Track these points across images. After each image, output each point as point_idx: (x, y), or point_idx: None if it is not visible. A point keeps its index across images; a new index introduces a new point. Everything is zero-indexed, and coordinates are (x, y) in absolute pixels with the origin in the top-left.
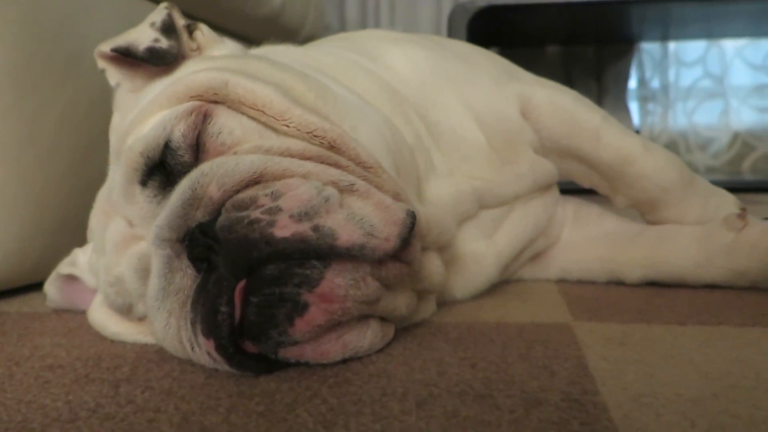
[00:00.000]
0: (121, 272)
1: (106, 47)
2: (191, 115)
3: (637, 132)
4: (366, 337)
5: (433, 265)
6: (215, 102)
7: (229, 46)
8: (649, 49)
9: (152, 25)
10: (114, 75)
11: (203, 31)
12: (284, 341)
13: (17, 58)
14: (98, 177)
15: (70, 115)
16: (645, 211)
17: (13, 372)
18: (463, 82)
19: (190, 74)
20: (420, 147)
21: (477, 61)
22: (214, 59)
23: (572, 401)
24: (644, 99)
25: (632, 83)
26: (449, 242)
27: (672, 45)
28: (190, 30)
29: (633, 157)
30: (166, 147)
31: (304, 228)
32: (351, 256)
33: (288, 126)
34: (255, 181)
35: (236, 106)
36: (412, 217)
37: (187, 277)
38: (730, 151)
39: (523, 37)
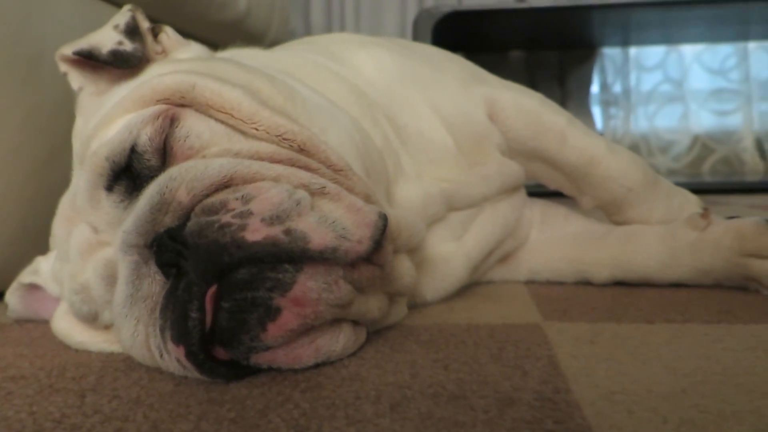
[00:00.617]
0: (86, 279)
1: (68, 50)
2: (158, 118)
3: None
4: (339, 341)
5: (403, 267)
6: (182, 105)
7: (194, 49)
8: (610, 54)
9: (116, 27)
10: (76, 78)
11: (168, 34)
12: (256, 346)
13: None
14: (61, 183)
15: (31, 120)
16: (610, 211)
17: None
18: (430, 85)
19: (156, 77)
20: (389, 149)
21: (443, 64)
22: (180, 62)
23: (545, 400)
24: (606, 103)
25: (595, 88)
26: (419, 244)
27: (633, 50)
28: (155, 32)
29: (598, 159)
30: (132, 151)
31: (276, 231)
32: (324, 259)
33: (257, 129)
34: (225, 185)
35: (204, 109)
36: (384, 219)
37: (155, 283)
38: (690, 153)
39: (488, 43)
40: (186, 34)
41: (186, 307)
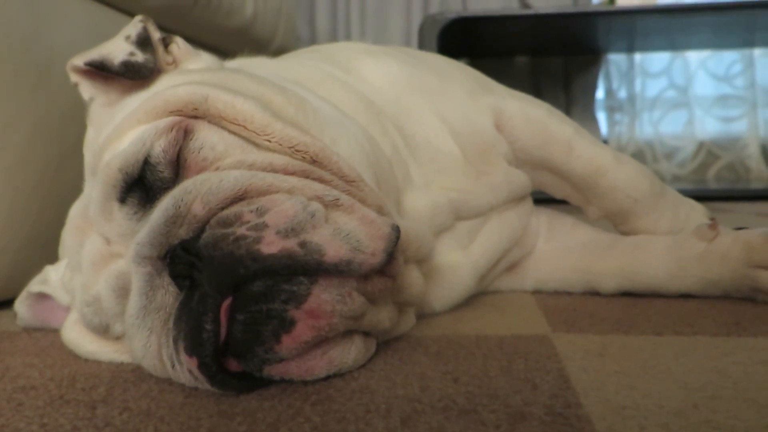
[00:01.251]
0: (98, 291)
1: (79, 61)
2: (172, 130)
3: (605, 142)
4: (350, 352)
5: (412, 278)
6: (195, 117)
7: (205, 59)
8: (615, 60)
9: (127, 38)
10: (87, 89)
11: (179, 44)
12: (270, 358)
13: None
14: (70, 191)
15: (40, 128)
16: (617, 221)
17: None
18: (437, 95)
19: (169, 88)
20: (397, 159)
21: (451, 73)
22: (190, 73)
23: (556, 415)
24: (611, 109)
25: (600, 94)
26: (428, 255)
27: (638, 56)
28: (166, 43)
29: (605, 169)
30: (146, 163)
31: (291, 244)
32: (338, 271)
33: (270, 141)
34: (240, 197)
35: (216, 120)
36: (397, 231)
37: (168, 295)
38: (695, 160)
39: (493, 49)
40: (193, 40)
41: (200, 318)
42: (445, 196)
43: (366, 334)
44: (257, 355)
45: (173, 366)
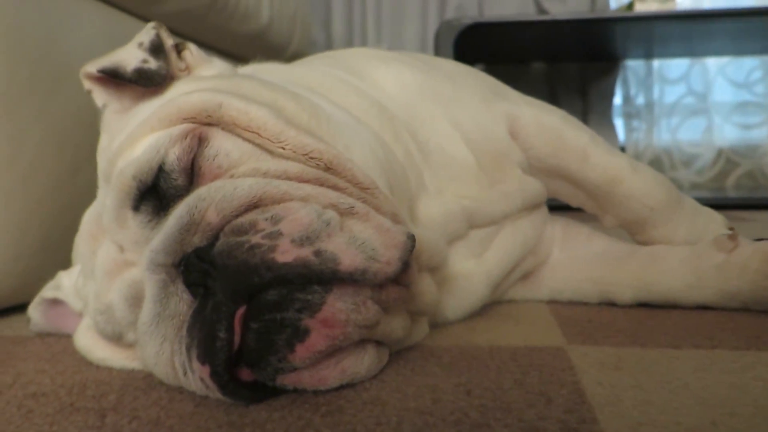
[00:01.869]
0: (111, 300)
1: (92, 68)
2: (186, 138)
3: (622, 148)
4: (364, 362)
5: (425, 286)
6: (208, 124)
7: (217, 66)
8: (633, 66)
9: (140, 45)
10: (100, 96)
11: (192, 51)
12: (283, 368)
13: (1, 75)
14: (83, 197)
15: (54, 135)
16: (633, 231)
17: None
18: (450, 101)
19: (182, 95)
20: (411, 165)
21: (465, 80)
22: (204, 80)
23: (571, 431)
24: (629, 116)
25: (617, 100)
26: (441, 263)
27: (656, 63)
28: (179, 50)
29: (620, 177)
30: (160, 170)
31: (306, 253)
32: (353, 280)
33: (284, 148)
34: (254, 205)
35: (230, 128)
36: (412, 239)
37: (182, 302)
38: (714, 167)
39: (509, 54)
40: (208, 46)
41: (214, 327)
42: (458, 203)
43: (379, 343)
44: (270, 364)
45: (185, 374)
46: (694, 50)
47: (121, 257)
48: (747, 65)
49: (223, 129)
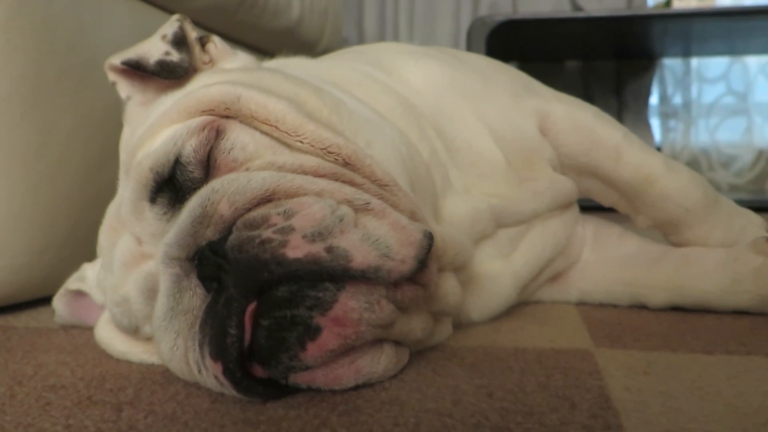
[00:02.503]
0: (127, 292)
1: (116, 60)
2: (203, 130)
3: (659, 149)
4: (380, 362)
5: (449, 287)
6: (227, 117)
7: (242, 59)
8: (670, 65)
9: (163, 37)
10: (125, 88)
11: (216, 44)
12: (295, 366)
13: (30, 68)
14: (109, 190)
15: (82, 127)
16: (667, 232)
17: (15, 392)
18: (479, 97)
19: (202, 88)
20: (436, 163)
21: (494, 75)
22: (226, 72)
23: None
24: (666, 115)
25: (653, 99)
26: (466, 263)
27: (694, 61)
28: (203, 43)
29: (654, 176)
30: (176, 162)
31: (318, 249)
32: (366, 278)
33: (302, 142)
34: (267, 198)
35: (249, 120)
36: (430, 238)
37: (196, 297)
38: (754, 169)
39: (543, 52)
40: (239, 41)
41: (225, 323)
42: (485, 202)
43: (397, 343)
44: (282, 362)
45: (199, 371)
46: (734, 48)
47: (139, 249)
48: None
49: (241, 122)
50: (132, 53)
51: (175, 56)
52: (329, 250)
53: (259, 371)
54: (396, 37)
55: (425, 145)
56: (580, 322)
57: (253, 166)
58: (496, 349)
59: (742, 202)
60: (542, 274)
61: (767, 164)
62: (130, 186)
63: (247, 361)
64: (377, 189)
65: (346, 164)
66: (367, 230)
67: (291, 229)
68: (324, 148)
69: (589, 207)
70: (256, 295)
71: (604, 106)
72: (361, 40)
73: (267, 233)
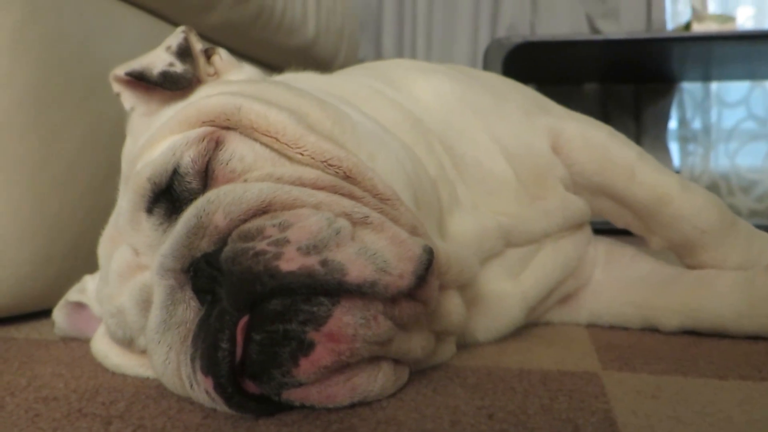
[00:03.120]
0: (122, 303)
1: (120, 71)
2: (203, 141)
3: (677, 173)
4: (377, 380)
5: (452, 305)
6: (228, 128)
7: (247, 71)
8: (690, 89)
9: (168, 48)
10: (129, 99)
11: (221, 56)
12: (288, 382)
13: (38, 78)
14: (115, 202)
15: (90, 138)
16: (682, 254)
17: (5, 403)
18: (490, 114)
19: (203, 98)
20: (444, 179)
21: (506, 92)
22: (229, 83)
23: None
24: (685, 139)
25: (672, 123)
26: (471, 281)
27: (714, 85)
28: (208, 54)
29: (669, 197)
30: (174, 173)
31: (312, 262)
32: (361, 293)
33: (302, 154)
34: (263, 210)
35: (249, 132)
36: (429, 253)
37: (190, 310)
38: None
39: (560, 75)
40: (253, 58)
41: (217, 336)
42: (494, 220)
43: (397, 361)
44: (274, 378)
45: (191, 385)
46: (755, 72)
47: (135, 260)
48: None
49: (241, 133)
50: (136, 64)
51: (178, 67)
52: (324, 263)
53: (251, 387)
54: (413, 58)
55: (432, 160)
56: (590, 344)
57: (251, 177)
58: (500, 369)
59: (762, 228)
60: (552, 295)
61: None
62: (127, 196)
63: (239, 376)
64: (377, 203)
65: (347, 177)
66: (365, 244)
67: (286, 242)
68: (325, 161)
69: (604, 230)
70: (249, 309)
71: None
72: (378, 60)
73: (261, 245)
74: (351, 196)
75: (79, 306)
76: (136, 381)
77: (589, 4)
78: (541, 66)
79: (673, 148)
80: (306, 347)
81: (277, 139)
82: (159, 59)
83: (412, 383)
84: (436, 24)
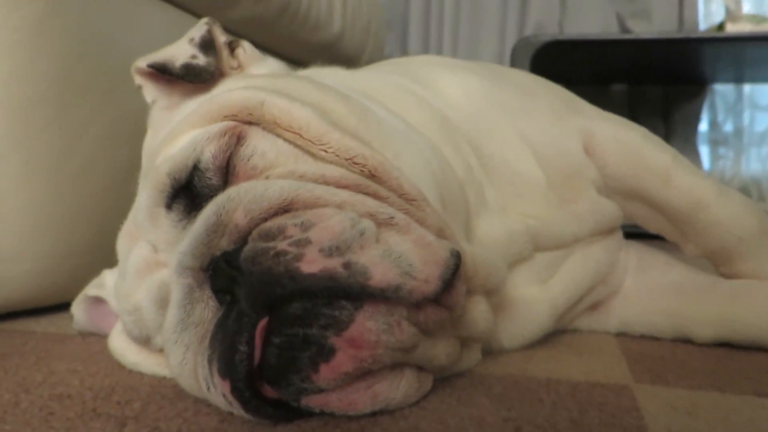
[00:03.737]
0: (139, 301)
1: (142, 63)
2: (224, 135)
3: None
4: (399, 388)
5: (478, 311)
6: (250, 123)
7: (271, 65)
8: (721, 91)
9: (191, 41)
10: (150, 91)
11: (245, 49)
12: (307, 388)
13: (61, 71)
14: (135, 198)
15: (112, 133)
16: (718, 262)
17: (20, 400)
18: (520, 113)
19: (225, 92)
20: (471, 180)
21: (536, 90)
22: (252, 77)
23: None
24: (715, 143)
25: (703, 126)
26: (499, 286)
27: (747, 87)
28: (232, 47)
29: (706, 202)
30: (195, 168)
31: (334, 264)
32: (385, 297)
33: (326, 151)
34: (285, 209)
35: (272, 127)
36: (457, 257)
37: (208, 310)
38: None
39: (588, 75)
40: (278, 54)
41: (234, 339)
42: (523, 223)
43: (420, 368)
44: (293, 383)
45: (208, 388)
46: None
47: (154, 257)
48: None
49: (264, 128)
50: (158, 56)
51: (201, 60)
52: (347, 266)
53: (269, 392)
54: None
55: (459, 161)
56: (619, 354)
57: (273, 174)
58: (526, 379)
59: None
60: (582, 301)
61: None
62: (146, 191)
63: (257, 380)
64: (403, 203)
65: (372, 176)
66: (389, 246)
67: (307, 242)
68: (349, 158)
69: (636, 234)
70: (268, 311)
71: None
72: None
73: (282, 245)
74: (376, 196)
75: (98, 301)
76: (152, 380)
77: (619, 4)
78: (569, 65)
79: (704, 151)
80: (326, 353)
81: (301, 135)
82: (181, 51)
83: (435, 391)
84: (462, 22)
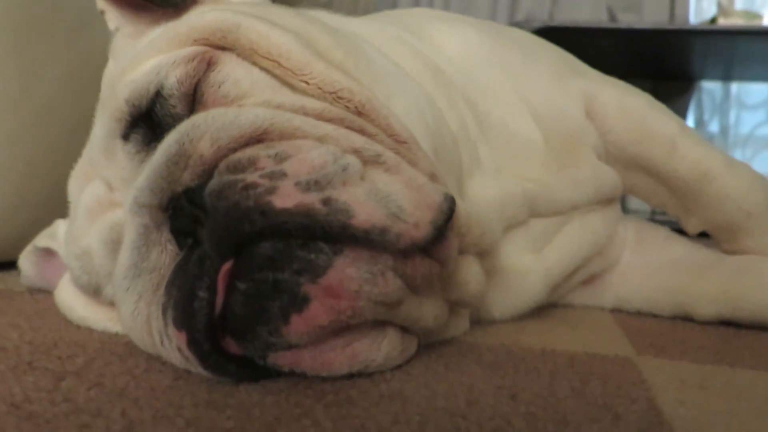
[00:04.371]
0: (88, 244)
1: None
2: (193, 60)
3: None
4: (381, 348)
5: (470, 272)
6: (223, 48)
7: None
8: (709, 88)
9: None
10: (114, 18)
11: None
12: (276, 343)
13: (19, 3)
14: None
15: (74, 76)
16: (723, 238)
17: None
18: (520, 72)
19: (197, 14)
20: (465, 137)
21: (538, 50)
22: (229, 4)
23: None
24: None
25: (689, 123)
26: (492, 247)
27: (734, 86)
28: None
29: (713, 174)
30: (157, 95)
31: (312, 199)
32: (369, 241)
33: (307, 83)
34: (258, 138)
35: (248, 54)
36: (451, 202)
37: (166, 254)
38: None
39: None
40: None
41: (194, 284)
42: (519, 185)
43: (404, 329)
44: (260, 336)
45: (162, 341)
46: None
47: (108, 196)
48: None
49: (239, 55)
50: None
51: None
52: (326, 202)
53: (232, 347)
54: None
55: (454, 116)
56: (617, 329)
57: (245, 104)
58: (520, 349)
59: None
60: (577, 273)
61: None
62: (102, 121)
63: (218, 332)
64: (393, 144)
65: (359, 114)
66: (376, 185)
67: (282, 174)
68: (333, 92)
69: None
70: (234, 253)
71: None
72: None
73: (253, 177)
74: (362, 132)
75: (49, 253)
76: (102, 336)
77: None
78: None
79: None
80: (299, 302)
81: (280, 64)
82: None
83: (419, 357)
84: (453, 9)
